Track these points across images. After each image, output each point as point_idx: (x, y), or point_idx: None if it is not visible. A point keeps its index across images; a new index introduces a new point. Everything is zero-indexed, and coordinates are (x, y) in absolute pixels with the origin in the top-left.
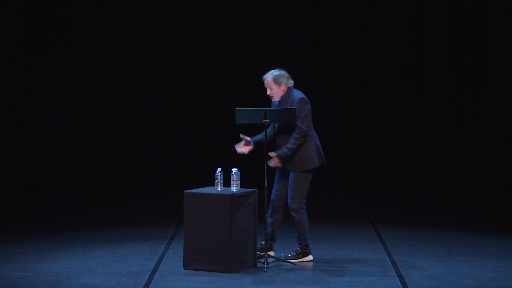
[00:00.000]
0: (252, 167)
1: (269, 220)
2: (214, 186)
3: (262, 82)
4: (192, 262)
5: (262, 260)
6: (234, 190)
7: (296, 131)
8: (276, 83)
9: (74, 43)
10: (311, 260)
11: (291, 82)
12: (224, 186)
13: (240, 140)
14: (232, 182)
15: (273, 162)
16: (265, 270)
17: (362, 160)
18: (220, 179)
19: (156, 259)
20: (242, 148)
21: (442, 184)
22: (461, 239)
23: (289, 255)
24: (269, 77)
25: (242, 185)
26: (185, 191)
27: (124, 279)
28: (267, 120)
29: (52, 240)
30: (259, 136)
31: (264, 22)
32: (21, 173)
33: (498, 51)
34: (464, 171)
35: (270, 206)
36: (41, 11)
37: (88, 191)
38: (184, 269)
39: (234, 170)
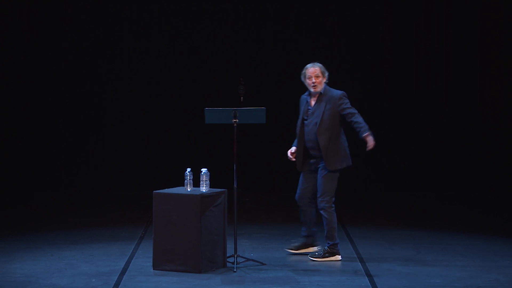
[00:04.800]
0: (222, 167)
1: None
2: (184, 186)
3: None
4: (161, 262)
5: (232, 260)
6: (204, 190)
7: (355, 113)
8: (322, 73)
9: (58, 42)
10: (339, 260)
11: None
12: (194, 186)
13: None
14: (201, 182)
15: (372, 144)
16: (235, 270)
17: (360, 160)
18: (189, 179)
19: (126, 260)
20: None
21: (410, 183)
22: (429, 239)
23: (316, 253)
24: (316, 65)
25: (211, 185)
26: (154, 191)
27: (93, 280)
28: (237, 120)
29: (19, 240)
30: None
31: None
32: (13, 172)
33: (496, 50)
34: (433, 170)
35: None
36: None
37: (56, 191)
38: (153, 269)
39: (204, 170)
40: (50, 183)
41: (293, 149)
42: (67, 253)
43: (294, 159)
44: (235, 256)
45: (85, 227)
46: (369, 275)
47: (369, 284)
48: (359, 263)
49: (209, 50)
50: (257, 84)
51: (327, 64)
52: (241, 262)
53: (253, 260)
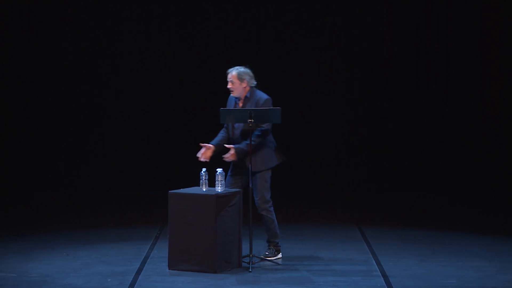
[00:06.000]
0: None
1: None
2: (199, 186)
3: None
4: (177, 262)
5: (247, 260)
6: (219, 190)
7: (260, 129)
8: (238, 79)
9: (58, 42)
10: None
11: (253, 82)
12: (209, 186)
13: (200, 148)
14: (217, 182)
15: (229, 156)
16: (250, 270)
17: (346, 161)
18: (205, 179)
19: (141, 260)
20: (203, 157)
21: (425, 184)
22: (444, 239)
23: (267, 252)
24: (233, 71)
25: (227, 185)
26: (170, 191)
27: (109, 280)
28: (252, 120)
29: (35, 240)
30: (218, 138)
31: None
32: (13, 172)
33: (496, 50)
34: (447, 171)
35: None
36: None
37: (70, 191)
38: (169, 269)
39: (219, 170)
40: (50, 183)
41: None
42: (83, 253)
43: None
44: (250, 256)
45: (100, 227)
46: (384, 276)
47: (385, 284)
48: (375, 263)
49: (209, 50)
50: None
51: (327, 64)
52: (256, 262)
53: (268, 260)
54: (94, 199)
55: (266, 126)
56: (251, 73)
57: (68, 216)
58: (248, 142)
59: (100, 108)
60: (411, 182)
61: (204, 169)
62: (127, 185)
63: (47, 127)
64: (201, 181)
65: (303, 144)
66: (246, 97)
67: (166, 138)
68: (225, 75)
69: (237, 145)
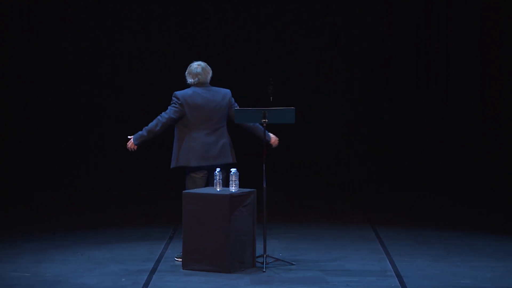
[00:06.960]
0: (251, 167)
1: None
2: (213, 186)
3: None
4: (190, 262)
5: (261, 260)
6: (233, 190)
7: (159, 117)
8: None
9: (58, 42)
10: None
11: (191, 80)
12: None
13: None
14: (231, 182)
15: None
16: (264, 270)
17: (359, 160)
18: (219, 179)
19: (155, 259)
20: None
21: (439, 184)
22: (459, 239)
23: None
24: None
25: (241, 185)
26: (184, 191)
27: (123, 279)
28: (266, 120)
29: (49, 240)
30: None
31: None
32: (13, 172)
33: (496, 50)
34: (447, 171)
35: None
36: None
37: (70, 191)
38: (183, 269)
39: (233, 170)
40: (50, 183)
41: None
42: (96, 253)
43: None
44: (264, 256)
45: (114, 226)
46: (398, 276)
47: (399, 284)
48: (389, 264)
49: (209, 50)
50: (254, 84)
51: (327, 64)
52: (270, 262)
53: (282, 260)
54: (94, 199)
55: (166, 112)
56: (193, 70)
57: (83, 216)
58: (146, 127)
59: (100, 108)
60: (411, 182)
61: (218, 169)
62: (127, 185)
63: (47, 127)
64: (215, 181)
65: (303, 144)
66: None
67: (166, 138)
68: (225, 75)
69: (137, 134)
